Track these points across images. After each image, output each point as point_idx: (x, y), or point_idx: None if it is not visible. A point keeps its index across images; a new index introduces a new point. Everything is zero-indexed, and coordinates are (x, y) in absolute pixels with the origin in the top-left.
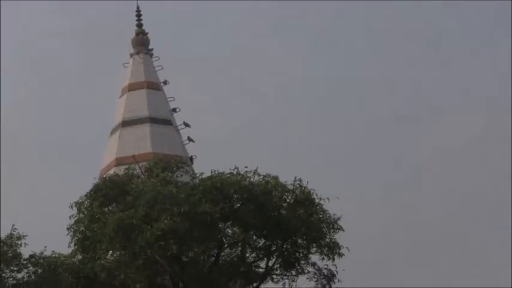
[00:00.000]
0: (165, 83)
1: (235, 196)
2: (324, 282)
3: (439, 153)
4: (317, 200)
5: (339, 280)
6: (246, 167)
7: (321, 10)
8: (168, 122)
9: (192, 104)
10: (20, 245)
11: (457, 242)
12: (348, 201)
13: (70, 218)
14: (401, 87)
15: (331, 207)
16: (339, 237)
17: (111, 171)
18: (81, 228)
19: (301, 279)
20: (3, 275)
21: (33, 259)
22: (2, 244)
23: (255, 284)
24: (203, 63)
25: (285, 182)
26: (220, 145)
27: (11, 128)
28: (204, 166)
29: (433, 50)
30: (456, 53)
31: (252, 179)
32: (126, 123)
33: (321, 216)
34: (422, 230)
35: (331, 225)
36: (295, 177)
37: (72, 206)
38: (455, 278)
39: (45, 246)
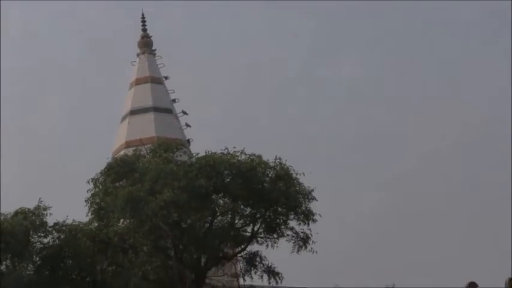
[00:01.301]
0: (166, 78)
1: (225, 172)
2: (301, 244)
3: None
4: (294, 175)
5: (313, 241)
6: (234, 147)
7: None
8: (169, 111)
9: (190, 96)
10: (46, 214)
11: (455, 234)
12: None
13: (87, 191)
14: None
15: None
16: (313, 206)
17: (122, 152)
18: (97, 200)
19: (281, 241)
20: (32, 239)
21: (57, 226)
22: (30, 214)
23: (242, 246)
24: (199, 60)
25: (267, 160)
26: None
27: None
28: (200, 147)
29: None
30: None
31: (239, 158)
32: (133, 112)
33: (297, 188)
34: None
35: (306, 196)
36: (276, 156)
37: (89, 182)
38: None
39: (67, 216)
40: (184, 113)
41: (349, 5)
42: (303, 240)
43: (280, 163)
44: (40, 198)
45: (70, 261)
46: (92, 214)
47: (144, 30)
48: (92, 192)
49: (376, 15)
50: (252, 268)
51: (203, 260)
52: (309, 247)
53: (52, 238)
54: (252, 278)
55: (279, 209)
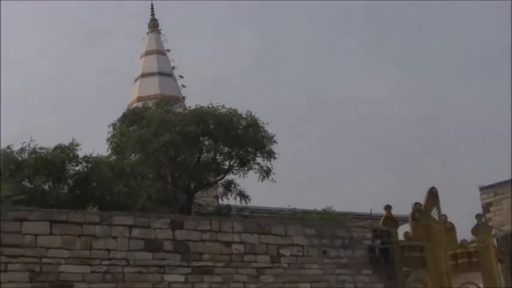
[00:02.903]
0: (168, 50)
1: (210, 121)
2: (264, 175)
3: None
4: (261, 124)
5: (273, 173)
6: (217, 103)
7: None
8: (169, 75)
9: (186, 64)
10: (77, 149)
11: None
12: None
13: (108, 133)
14: None
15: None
16: (274, 147)
17: (134, 105)
18: (115, 140)
19: (250, 173)
20: (67, 168)
21: (85, 158)
22: (66, 149)
23: (221, 175)
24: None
25: (241, 112)
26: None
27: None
28: (191, 102)
29: None
30: None
31: (220, 111)
32: (144, 75)
33: (263, 134)
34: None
35: (269, 140)
36: (247, 110)
37: (110, 126)
38: None
39: (93, 151)
40: (181, 76)
41: None
42: (266, 172)
43: (251, 115)
44: (73, 137)
45: (94, 184)
46: (111, 150)
47: (153, 15)
48: (112, 133)
49: None
50: (228, 192)
51: (192, 185)
52: (270, 177)
53: (82, 167)
54: (228, 199)
55: (249, 149)
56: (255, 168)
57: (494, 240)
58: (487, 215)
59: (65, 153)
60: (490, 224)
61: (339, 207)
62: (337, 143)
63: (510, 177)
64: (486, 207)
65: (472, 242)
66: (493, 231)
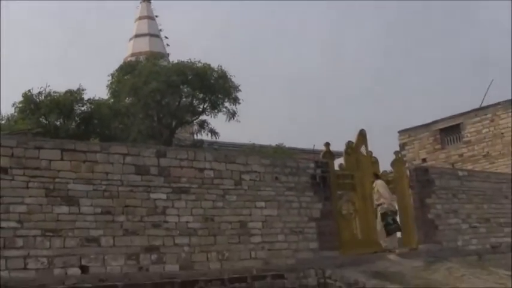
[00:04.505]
0: (156, 16)
1: (188, 73)
2: (231, 116)
3: None
4: (229, 76)
5: (238, 115)
6: (194, 58)
7: None
8: (157, 36)
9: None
10: (83, 93)
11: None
12: None
13: (108, 81)
14: None
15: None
16: (239, 94)
17: (129, 59)
18: (113, 86)
19: (220, 114)
20: (75, 108)
21: (90, 100)
22: (74, 93)
23: (197, 116)
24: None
25: (214, 67)
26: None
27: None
28: (174, 58)
29: None
30: None
31: (197, 65)
32: (137, 36)
33: (230, 84)
34: None
35: (235, 89)
36: (219, 64)
37: (109, 75)
38: None
39: (95, 94)
40: (166, 37)
41: None
42: (232, 114)
43: (221, 69)
44: (80, 84)
45: (96, 121)
46: (110, 94)
47: None
48: (110, 81)
49: None
50: (202, 129)
51: (173, 123)
52: (235, 119)
53: (86, 107)
54: (201, 135)
55: (219, 95)
56: (223, 111)
57: (407, 171)
58: (403, 152)
59: (74, 96)
60: (404, 159)
61: (289, 143)
62: (293, 92)
63: (421, 124)
64: (402, 146)
65: (391, 172)
66: (407, 165)
